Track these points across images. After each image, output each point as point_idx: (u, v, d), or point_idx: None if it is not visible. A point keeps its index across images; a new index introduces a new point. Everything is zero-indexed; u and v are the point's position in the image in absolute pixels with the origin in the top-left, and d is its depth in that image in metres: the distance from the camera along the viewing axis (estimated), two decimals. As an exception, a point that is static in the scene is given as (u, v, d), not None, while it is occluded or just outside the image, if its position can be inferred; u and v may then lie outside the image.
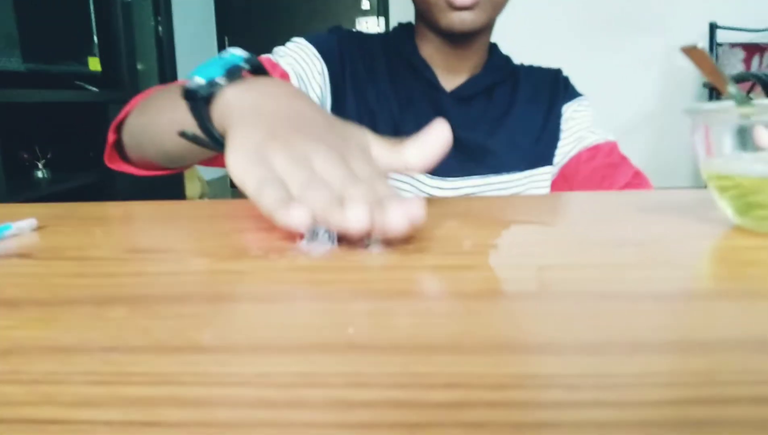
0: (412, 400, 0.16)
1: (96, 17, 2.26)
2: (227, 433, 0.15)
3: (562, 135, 0.76)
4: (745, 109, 0.30)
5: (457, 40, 0.72)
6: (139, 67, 2.84)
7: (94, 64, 2.26)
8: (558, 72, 0.82)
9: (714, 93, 2.74)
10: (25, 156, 1.93)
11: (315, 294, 0.25)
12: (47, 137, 2.03)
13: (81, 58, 2.21)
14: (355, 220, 0.27)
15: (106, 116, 2.07)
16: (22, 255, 0.32)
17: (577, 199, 0.51)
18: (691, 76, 2.90)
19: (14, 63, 1.84)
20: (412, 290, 0.25)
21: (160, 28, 2.96)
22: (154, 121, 0.51)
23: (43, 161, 1.95)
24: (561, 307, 0.23)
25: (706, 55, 0.28)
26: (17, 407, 0.16)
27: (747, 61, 2.88)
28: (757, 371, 0.17)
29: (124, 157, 0.60)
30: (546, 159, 0.75)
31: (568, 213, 0.44)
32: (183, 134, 0.42)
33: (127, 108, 0.58)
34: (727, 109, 0.31)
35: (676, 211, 0.39)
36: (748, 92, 2.56)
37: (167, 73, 2.99)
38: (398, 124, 0.71)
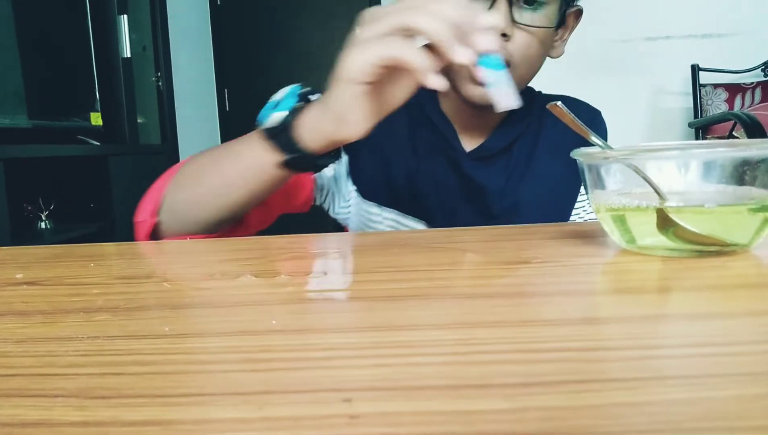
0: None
1: (98, 74, 2.39)
2: (183, 391, 0.22)
3: (581, 196, 0.74)
4: (606, 153, 0.38)
5: (478, 106, 0.69)
6: (140, 120, 2.96)
7: (96, 119, 2.37)
8: (595, 115, 0.78)
9: (700, 131, 2.82)
10: (29, 208, 2.02)
11: (267, 301, 0.32)
12: (50, 189, 2.12)
13: (84, 113, 2.33)
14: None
15: (107, 169, 2.17)
16: (30, 283, 0.39)
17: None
18: (678, 116, 3.00)
19: (21, 120, 1.94)
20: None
21: (160, 83, 3.10)
22: (214, 182, 0.55)
23: (45, 213, 2.03)
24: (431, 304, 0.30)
25: (565, 111, 0.36)
26: (30, 369, 0.23)
27: (730, 101, 2.98)
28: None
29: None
30: (562, 215, 0.74)
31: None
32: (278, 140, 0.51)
33: (155, 193, 0.60)
34: (595, 153, 0.39)
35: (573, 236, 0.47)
36: (731, 131, 2.63)
37: (167, 126, 3.11)
38: (413, 174, 0.72)
